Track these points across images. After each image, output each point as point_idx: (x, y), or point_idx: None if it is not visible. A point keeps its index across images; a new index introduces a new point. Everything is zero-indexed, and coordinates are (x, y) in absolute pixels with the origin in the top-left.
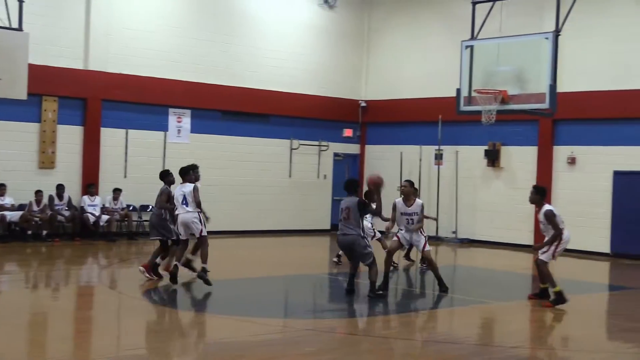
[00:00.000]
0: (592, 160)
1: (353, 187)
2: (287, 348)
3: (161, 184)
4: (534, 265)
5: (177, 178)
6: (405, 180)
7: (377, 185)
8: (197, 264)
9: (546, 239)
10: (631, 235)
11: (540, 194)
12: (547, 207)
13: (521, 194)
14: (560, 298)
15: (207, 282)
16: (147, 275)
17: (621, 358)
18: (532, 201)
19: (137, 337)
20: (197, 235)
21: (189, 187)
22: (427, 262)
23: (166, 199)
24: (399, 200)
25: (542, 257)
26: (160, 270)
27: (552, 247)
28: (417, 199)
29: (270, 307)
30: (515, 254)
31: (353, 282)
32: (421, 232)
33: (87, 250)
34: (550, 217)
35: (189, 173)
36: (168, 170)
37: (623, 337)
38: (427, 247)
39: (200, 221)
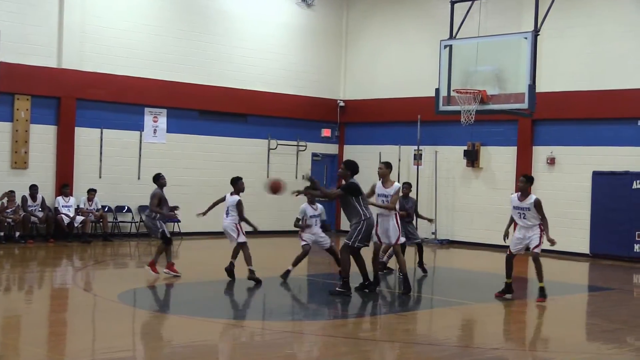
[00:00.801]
0: (572, 161)
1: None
2: (266, 350)
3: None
4: (507, 261)
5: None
6: (381, 162)
7: (276, 191)
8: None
9: (528, 230)
10: (610, 235)
11: (530, 182)
12: (535, 196)
13: (501, 194)
14: (543, 293)
15: (257, 281)
16: (170, 271)
17: (602, 359)
18: (524, 190)
19: (112, 340)
20: (234, 242)
21: (235, 199)
22: (395, 255)
23: (157, 202)
24: (379, 182)
25: (536, 250)
26: (154, 267)
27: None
28: (395, 182)
29: (248, 309)
30: (494, 254)
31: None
32: (397, 223)
33: (61, 252)
34: (541, 205)
35: (237, 183)
36: (160, 174)
37: (603, 338)
38: (401, 240)
39: (237, 230)
